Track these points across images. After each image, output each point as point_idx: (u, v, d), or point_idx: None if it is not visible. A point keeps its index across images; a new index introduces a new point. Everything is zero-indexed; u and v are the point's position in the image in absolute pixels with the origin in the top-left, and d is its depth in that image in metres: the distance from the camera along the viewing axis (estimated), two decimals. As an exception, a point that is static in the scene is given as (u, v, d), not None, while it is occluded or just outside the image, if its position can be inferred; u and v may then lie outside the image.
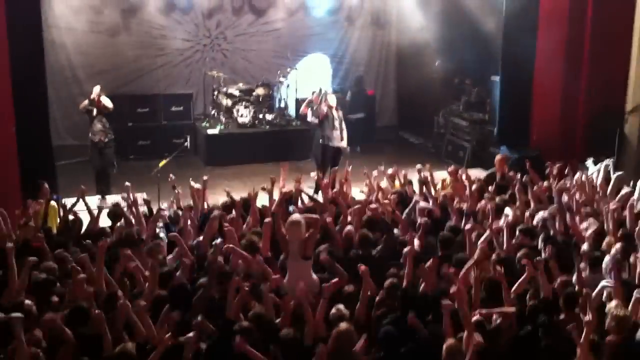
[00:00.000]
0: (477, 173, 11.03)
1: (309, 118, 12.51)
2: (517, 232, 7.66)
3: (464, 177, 9.71)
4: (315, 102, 12.42)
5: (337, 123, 11.96)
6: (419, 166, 9.80)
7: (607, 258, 6.66)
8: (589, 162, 10.53)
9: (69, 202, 8.96)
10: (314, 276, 6.85)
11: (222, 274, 6.43)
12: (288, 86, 15.38)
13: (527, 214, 8.39)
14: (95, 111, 11.67)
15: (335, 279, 6.37)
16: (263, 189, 8.87)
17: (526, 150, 12.34)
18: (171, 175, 9.57)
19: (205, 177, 9.17)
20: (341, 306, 5.96)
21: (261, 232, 7.46)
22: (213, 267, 6.37)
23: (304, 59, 16.32)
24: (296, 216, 7.24)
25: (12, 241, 6.98)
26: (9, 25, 9.73)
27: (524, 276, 6.45)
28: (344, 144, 12.06)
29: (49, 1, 13.84)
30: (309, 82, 15.75)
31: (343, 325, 5.53)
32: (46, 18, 12.83)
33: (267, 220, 7.48)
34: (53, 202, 9.03)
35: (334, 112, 12.02)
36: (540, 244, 7.37)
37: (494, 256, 7.02)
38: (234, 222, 7.80)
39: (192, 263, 6.90)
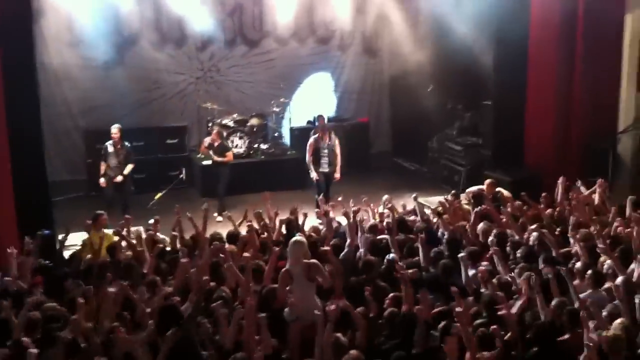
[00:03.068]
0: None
1: None
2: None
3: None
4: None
5: (324, 151, 12.36)
6: (414, 195, 9.94)
7: (619, 280, 6.63)
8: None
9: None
10: (317, 300, 6.84)
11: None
12: (282, 117, 15.46)
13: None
14: (111, 148, 11.86)
15: (340, 304, 6.38)
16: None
17: (520, 172, 12.40)
18: (176, 205, 9.61)
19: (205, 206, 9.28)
20: (340, 334, 5.96)
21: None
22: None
23: (299, 88, 16.45)
24: (299, 237, 7.28)
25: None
26: (3, 61, 9.77)
27: (522, 298, 6.46)
28: (329, 169, 12.41)
29: (42, 37, 13.91)
30: (303, 111, 15.94)
31: (354, 352, 5.52)
32: (40, 53, 12.89)
33: (276, 249, 7.51)
34: (107, 231, 9.08)
35: (321, 141, 12.40)
36: (540, 265, 7.37)
37: (494, 280, 7.04)
38: (236, 253, 7.85)
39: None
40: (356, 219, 8.88)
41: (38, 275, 7.65)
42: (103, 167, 11.95)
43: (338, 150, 12.50)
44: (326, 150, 12.41)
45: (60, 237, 9.09)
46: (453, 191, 10.69)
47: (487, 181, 10.87)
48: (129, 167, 12.03)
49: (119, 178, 11.92)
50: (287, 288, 6.84)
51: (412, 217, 9.80)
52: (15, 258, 7.87)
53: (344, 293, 7.11)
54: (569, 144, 12.34)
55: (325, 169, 12.45)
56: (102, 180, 11.88)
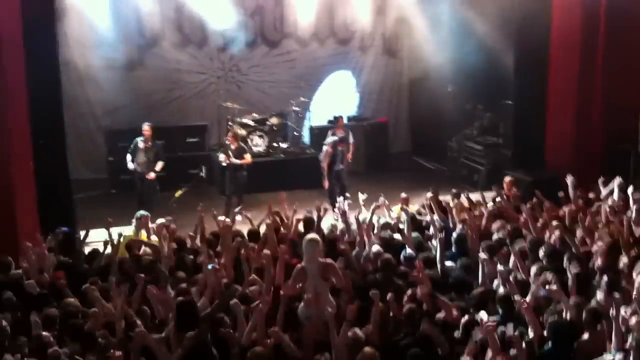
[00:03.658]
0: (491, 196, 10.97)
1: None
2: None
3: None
4: None
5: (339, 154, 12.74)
6: (429, 194, 9.91)
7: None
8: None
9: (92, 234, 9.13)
10: (331, 298, 6.86)
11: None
12: (302, 116, 15.53)
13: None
14: (142, 144, 12.02)
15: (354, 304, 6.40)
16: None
17: (541, 173, 12.32)
18: (200, 203, 9.67)
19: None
20: (357, 330, 5.95)
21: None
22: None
23: (319, 87, 16.52)
24: (313, 235, 7.31)
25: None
26: (27, 61, 9.91)
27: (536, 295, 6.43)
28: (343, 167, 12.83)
29: (65, 38, 14.05)
30: (323, 110, 15.98)
31: (368, 350, 5.51)
32: (63, 54, 13.03)
33: (282, 246, 7.52)
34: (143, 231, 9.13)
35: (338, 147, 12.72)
36: (565, 263, 7.30)
37: (511, 278, 7.00)
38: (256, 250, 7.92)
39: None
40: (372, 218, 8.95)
41: (59, 271, 7.72)
42: (130, 159, 12.13)
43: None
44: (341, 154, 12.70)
45: (81, 234, 9.19)
46: (454, 190, 10.66)
47: (506, 179, 10.82)
48: (159, 165, 12.13)
49: (152, 175, 12.03)
50: (300, 285, 6.86)
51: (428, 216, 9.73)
52: (32, 253, 7.96)
53: (359, 291, 7.10)
54: (591, 145, 12.24)
55: (339, 167, 12.68)
56: (131, 165, 12.13)
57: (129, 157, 12.22)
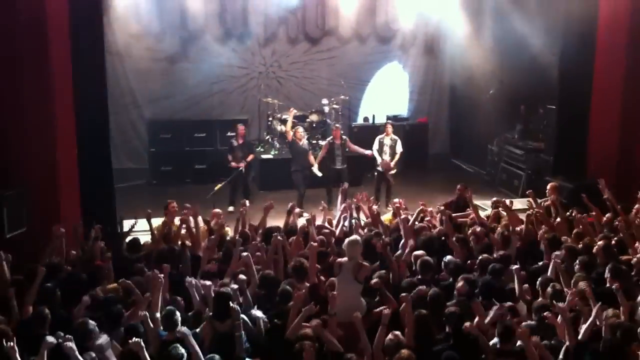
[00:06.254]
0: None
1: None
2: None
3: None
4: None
5: (338, 151, 13.00)
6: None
7: None
8: None
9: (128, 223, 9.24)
10: (362, 300, 6.86)
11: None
12: (341, 114, 15.54)
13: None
14: (235, 143, 13.01)
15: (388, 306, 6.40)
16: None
17: (582, 180, 12.13)
18: (246, 201, 9.63)
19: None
20: (398, 333, 5.94)
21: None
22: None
23: (360, 85, 16.60)
24: (355, 236, 7.33)
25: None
26: (73, 51, 10.02)
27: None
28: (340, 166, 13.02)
29: (111, 29, 14.27)
30: (363, 109, 15.99)
31: (405, 352, 5.49)
32: (108, 45, 13.22)
33: (314, 244, 7.51)
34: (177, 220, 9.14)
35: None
36: (606, 274, 7.20)
37: (549, 289, 6.90)
38: (295, 245, 8.01)
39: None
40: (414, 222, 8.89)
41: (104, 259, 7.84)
42: (230, 158, 12.81)
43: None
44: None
45: (128, 223, 9.33)
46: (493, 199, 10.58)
47: (550, 184, 10.65)
48: (250, 156, 13.04)
49: (242, 164, 12.77)
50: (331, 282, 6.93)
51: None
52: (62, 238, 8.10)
53: (397, 291, 7.07)
54: (634, 154, 12.01)
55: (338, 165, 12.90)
56: (233, 164, 12.80)
57: (229, 157, 12.84)
